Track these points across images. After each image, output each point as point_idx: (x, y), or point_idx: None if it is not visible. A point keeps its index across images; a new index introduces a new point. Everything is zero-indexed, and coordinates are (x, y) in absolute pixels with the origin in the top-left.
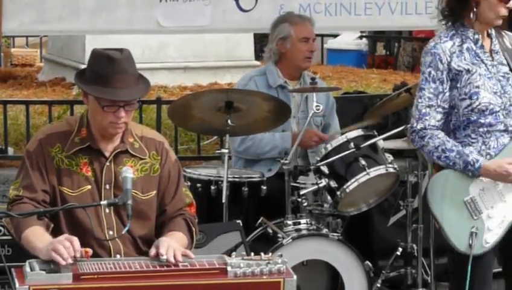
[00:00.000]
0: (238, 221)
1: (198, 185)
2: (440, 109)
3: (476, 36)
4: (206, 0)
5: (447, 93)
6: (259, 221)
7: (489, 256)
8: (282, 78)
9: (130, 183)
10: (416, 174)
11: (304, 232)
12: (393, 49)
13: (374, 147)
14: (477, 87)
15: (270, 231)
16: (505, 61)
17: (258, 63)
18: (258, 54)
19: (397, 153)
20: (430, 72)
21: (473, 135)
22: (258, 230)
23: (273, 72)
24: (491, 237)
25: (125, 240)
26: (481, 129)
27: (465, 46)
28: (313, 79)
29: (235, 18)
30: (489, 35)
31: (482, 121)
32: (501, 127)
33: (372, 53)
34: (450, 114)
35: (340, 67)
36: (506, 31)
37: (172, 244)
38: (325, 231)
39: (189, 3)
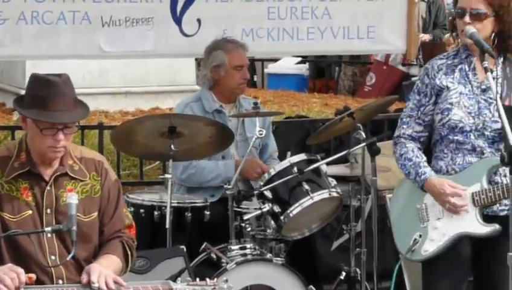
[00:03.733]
0: (181, 246)
1: (142, 210)
2: (420, 121)
3: (471, 59)
4: (149, 25)
5: (429, 107)
6: (203, 246)
7: (445, 266)
8: (217, 103)
9: (74, 209)
10: (359, 199)
11: (248, 257)
12: (334, 73)
13: (317, 171)
14: (451, 104)
15: (214, 256)
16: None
17: (198, 88)
18: None
19: (340, 178)
20: (417, 85)
21: (445, 150)
22: (201, 255)
23: (208, 98)
24: (431, 246)
25: (68, 265)
26: (451, 145)
27: (459, 66)
28: (255, 104)
29: (178, 43)
30: (485, 69)
31: (451, 137)
32: (469, 146)
33: (313, 77)
34: (433, 129)
35: (281, 92)
36: None
37: (104, 271)
38: (268, 255)
39: (132, 28)
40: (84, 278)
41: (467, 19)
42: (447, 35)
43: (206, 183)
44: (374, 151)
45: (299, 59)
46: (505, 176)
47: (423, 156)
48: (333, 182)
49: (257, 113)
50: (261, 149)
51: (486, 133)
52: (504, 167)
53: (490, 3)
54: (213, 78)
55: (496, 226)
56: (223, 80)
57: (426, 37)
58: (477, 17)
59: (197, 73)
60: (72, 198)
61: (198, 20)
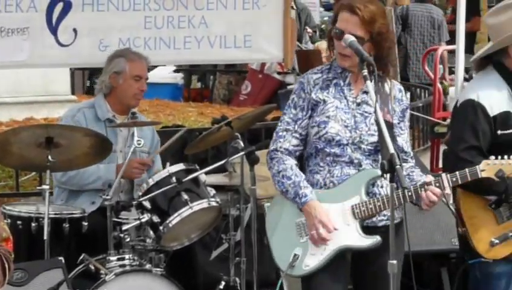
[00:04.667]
0: (60, 258)
1: (19, 222)
2: (297, 135)
3: (346, 74)
4: (24, 35)
5: (305, 121)
6: (81, 257)
7: (324, 279)
8: (110, 112)
9: None
10: (239, 208)
11: (127, 268)
12: (209, 82)
13: (196, 181)
14: (328, 117)
15: (93, 267)
16: (371, 103)
17: (74, 97)
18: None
19: (219, 187)
20: (293, 99)
21: (321, 163)
22: (80, 267)
23: (102, 106)
24: (313, 261)
25: None
26: (328, 158)
27: (334, 81)
28: (133, 114)
29: (54, 53)
30: (364, 77)
31: (327, 150)
32: (346, 159)
33: (188, 86)
34: (307, 143)
35: (156, 101)
36: (394, 81)
37: None
38: (148, 266)
39: (7, 38)
40: None
41: (343, 42)
42: (318, 43)
43: (87, 186)
44: (253, 160)
45: (174, 68)
46: (382, 187)
47: (302, 174)
48: (212, 191)
49: (134, 122)
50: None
51: (363, 146)
52: (382, 179)
53: (368, 29)
54: (111, 84)
55: (377, 238)
56: (120, 88)
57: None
58: None
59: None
60: None
61: (75, 30)
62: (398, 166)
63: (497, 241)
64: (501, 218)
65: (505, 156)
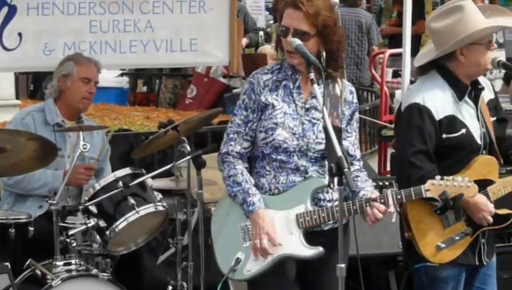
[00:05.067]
0: (6, 263)
1: None
2: (248, 137)
3: (296, 76)
4: None
5: (256, 123)
6: (28, 263)
7: (271, 285)
8: (60, 117)
9: None
10: (185, 212)
11: (73, 273)
12: (155, 86)
13: (142, 185)
14: (276, 124)
15: (39, 272)
16: (319, 107)
17: (19, 102)
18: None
19: (166, 191)
20: (244, 100)
21: (267, 167)
22: (26, 272)
23: (51, 110)
24: (254, 266)
25: None
26: (274, 163)
27: (284, 82)
28: (79, 118)
29: None
30: (311, 81)
31: (274, 156)
32: (292, 166)
33: (133, 90)
34: (255, 144)
35: (101, 105)
36: (346, 81)
37: None
38: (94, 271)
39: None
40: None
41: (289, 38)
42: (262, 47)
43: (33, 191)
44: (200, 164)
45: (119, 72)
46: (329, 201)
47: (252, 180)
48: (159, 195)
49: (80, 127)
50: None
51: (310, 154)
52: (329, 189)
53: (314, 23)
54: (59, 88)
55: (320, 249)
56: (68, 91)
57: (244, 40)
58: (300, 36)
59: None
60: None
61: (19, 34)
62: (346, 169)
63: (443, 245)
64: (447, 222)
65: (451, 177)
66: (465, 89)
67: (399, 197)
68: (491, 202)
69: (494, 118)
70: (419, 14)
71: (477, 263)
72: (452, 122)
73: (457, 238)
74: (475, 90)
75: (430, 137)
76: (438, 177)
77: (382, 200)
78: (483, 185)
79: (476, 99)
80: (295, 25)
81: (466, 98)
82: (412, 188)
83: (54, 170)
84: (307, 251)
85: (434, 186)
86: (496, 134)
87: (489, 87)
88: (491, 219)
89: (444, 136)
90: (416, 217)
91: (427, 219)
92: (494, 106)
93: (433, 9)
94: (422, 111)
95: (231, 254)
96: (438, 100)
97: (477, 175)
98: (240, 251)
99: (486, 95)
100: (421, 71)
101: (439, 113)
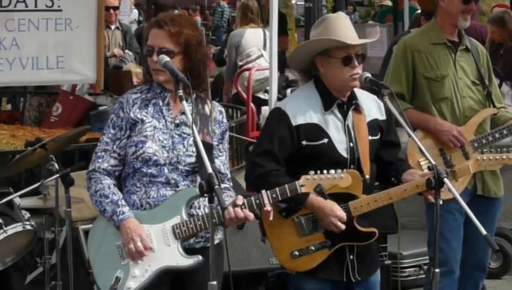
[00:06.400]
0: None
1: None
2: (115, 155)
3: (165, 94)
4: None
5: (124, 141)
6: None
7: None
8: None
9: None
10: (53, 231)
11: None
12: (19, 104)
13: (10, 204)
14: (146, 137)
15: None
16: (189, 124)
17: None
18: None
19: (33, 210)
20: (112, 119)
21: (138, 184)
22: None
23: None
24: (134, 283)
25: None
26: (144, 179)
27: (153, 100)
28: None
29: None
30: (180, 97)
31: (144, 170)
32: (163, 179)
33: None
34: (125, 162)
35: None
36: (215, 102)
37: None
38: None
39: None
40: None
41: (155, 57)
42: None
43: None
44: (68, 182)
45: None
46: (199, 208)
47: (119, 193)
48: (27, 214)
49: None
50: None
51: (180, 167)
52: (200, 200)
53: (177, 41)
54: None
55: (199, 257)
56: None
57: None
58: (165, 54)
59: None
60: None
61: None
62: (216, 186)
63: (297, 253)
64: (303, 231)
65: (324, 171)
66: (333, 100)
67: (274, 195)
68: (352, 217)
69: (376, 137)
70: (281, 30)
71: (345, 280)
72: (313, 130)
73: (312, 248)
74: (348, 105)
75: (281, 141)
76: (312, 171)
77: (257, 201)
78: (345, 199)
79: (346, 113)
80: (159, 44)
81: (334, 110)
82: (286, 185)
83: None
84: (186, 261)
85: (308, 181)
86: (382, 155)
87: (380, 108)
88: (342, 226)
89: (304, 143)
90: (270, 222)
91: (281, 225)
92: (377, 125)
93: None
94: (280, 115)
95: (110, 273)
96: (301, 107)
97: (339, 188)
98: (118, 269)
99: (372, 114)
100: (304, 79)
101: (297, 119)
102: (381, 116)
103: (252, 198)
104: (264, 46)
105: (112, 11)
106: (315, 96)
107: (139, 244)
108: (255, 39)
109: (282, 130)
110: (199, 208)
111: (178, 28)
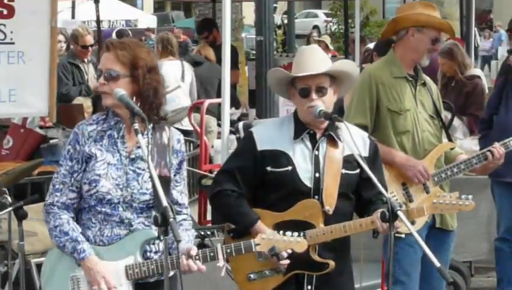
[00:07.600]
0: None
1: None
2: (74, 188)
3: (120, 126)
4: None
5: (81, 174)
6: None
7: None
8: None
9: None
10: (6, 264)
11: None
12: None
13: None
14: (99, 175)
15: None
16: (145, 158)
17: None
18: None
19: None
20: (69, 150)
21: (93, 219)
22: None
23: None
24: None
25: None
26: (99, 216)
27: (108, 132)
28: None
29: None
30: (135, 131)
31: (99, 209)
32: (117, 218)
33: None
34: (81, 196)
35: None
36: (174, 130)
37: None
38: None
39: None
40: None
41: (102, 79)
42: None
43: None
44: (21, 216)
45: None
46: (156, 252)
47: (79, 228)
48: None
49: None
50: None
51: (135, 205)
52: (158, 241)
53: (124, 63)
54: None
55: None
56: None
57: None
58: (111, 78)
59: None
60: None
61: None
62: (171, 219)
63: (253, 276)
64: (260, 255)
65: (281, 231)
66: (303, 130)
67: (229, 251)
68: (308, 246)
69: (352, 172)
70: (232, 64)
71: None
72: (279, 157)
73: (266, 272)
74: (323, 136)
75: (243, 163)
76: (269, 231)
77: (211, 254)
78: (303, 227)
79: (318, 144)
80: (107, 66)
81: (305, 139)
82: (242, 243)
83: None
84: None
85: (264, 241)
86: (361, 192)
87: (365, 144)
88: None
89: (268, 168)
90: (230, 242)
91: None
92: (354, 160)
93: (248, 60)
94: (247, 138)
95: None
96: (270, 133)
97: (298, 216)
98: None
99: (352, 148)
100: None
101: (263, 145)
102: (364, 152)
103: (207, 250)
104: (182, 77)
105: (89, 48)
106: (289, 125)
107: (103, 286)
108: (173, 71)
109: (245, 153)
110: (156, 252)
111: (125, 50)
